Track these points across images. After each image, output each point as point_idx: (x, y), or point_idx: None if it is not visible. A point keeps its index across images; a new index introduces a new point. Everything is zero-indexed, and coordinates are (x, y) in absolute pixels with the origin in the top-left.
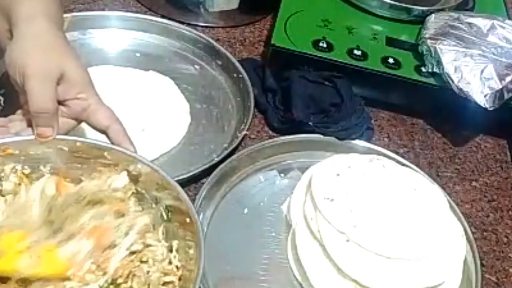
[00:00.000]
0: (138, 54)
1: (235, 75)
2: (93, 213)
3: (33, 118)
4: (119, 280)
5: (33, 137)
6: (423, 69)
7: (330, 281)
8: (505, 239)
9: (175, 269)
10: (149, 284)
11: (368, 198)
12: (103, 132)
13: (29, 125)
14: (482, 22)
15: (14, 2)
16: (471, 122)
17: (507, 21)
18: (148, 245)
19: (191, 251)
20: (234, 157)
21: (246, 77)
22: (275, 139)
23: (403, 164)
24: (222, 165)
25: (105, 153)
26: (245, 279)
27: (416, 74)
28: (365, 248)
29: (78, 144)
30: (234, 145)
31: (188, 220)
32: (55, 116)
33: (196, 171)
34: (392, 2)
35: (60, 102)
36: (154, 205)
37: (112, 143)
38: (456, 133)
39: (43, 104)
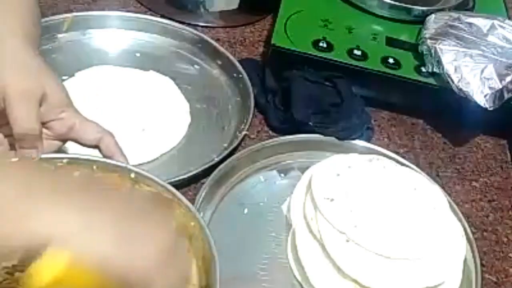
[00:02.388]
0: (138, 54)
1: (235, 75)
2: None
3: (17, 140)
4: None
5: (16, 159)
6: (423, 69)
7: (330, 281)
8: (505, 239)
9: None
10: None
11: (368, 198)
12: (94, 146)
13: (11, 148)
14: (482, 22)
15: None
16: (471, 122)
17: (507, 21)
18: None
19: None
20: (234, 157)
21: (246, 77)
22: (275, 139)
23: (403, 164)
24: (222, 165)
25: (94, 167)
26: (245, 279)
27: (416, 74)
28: (365, 248)
29: (65, 161)
30: (234, 145)
31: (192, 224)
32: (40, 137)
33: (196, 171)
34: (392, 2)
35: (42, 124)
36: None
37: (104, 156)
38: (456, 133)
39: (28, 125)
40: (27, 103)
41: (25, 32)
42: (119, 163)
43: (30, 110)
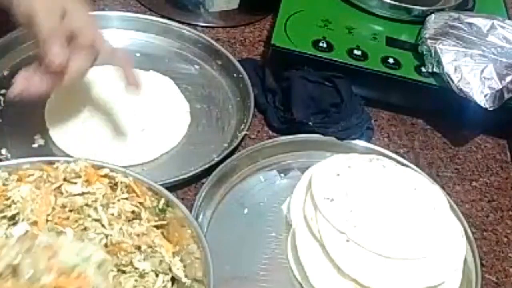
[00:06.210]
0: (138, 54)
1: (235, 75)
2: None
3: (44, 45)
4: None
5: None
6: (423, 69)
7: (330, 281)
8: (505, 239)
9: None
10: None
11: (368, 198)
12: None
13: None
14: (482, 22)
15: None
16: (471, 122)
17: (507, 21)
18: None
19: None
20: (234, 157)
21: (246, 77)
22: (275, 139)
23: (403, 164)
24: (222, 165)
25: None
26: (245, 279)
27: (416, 74)
28: (365, 248)
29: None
30: (234, 145)
31: (185, 225)
32: (63, 39)
33: (196, 171)
34: (392, 2)
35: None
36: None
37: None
38: (456, 133)
39: (49, 24)
40: (48, 13)
41: None
42: (115, 166)
43: (51, 16)
